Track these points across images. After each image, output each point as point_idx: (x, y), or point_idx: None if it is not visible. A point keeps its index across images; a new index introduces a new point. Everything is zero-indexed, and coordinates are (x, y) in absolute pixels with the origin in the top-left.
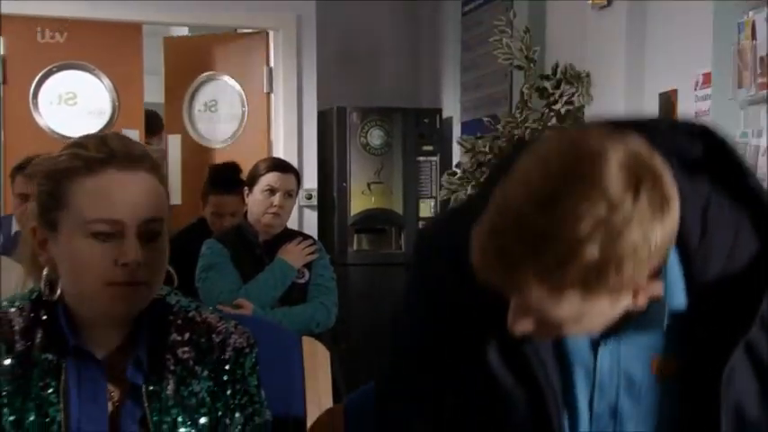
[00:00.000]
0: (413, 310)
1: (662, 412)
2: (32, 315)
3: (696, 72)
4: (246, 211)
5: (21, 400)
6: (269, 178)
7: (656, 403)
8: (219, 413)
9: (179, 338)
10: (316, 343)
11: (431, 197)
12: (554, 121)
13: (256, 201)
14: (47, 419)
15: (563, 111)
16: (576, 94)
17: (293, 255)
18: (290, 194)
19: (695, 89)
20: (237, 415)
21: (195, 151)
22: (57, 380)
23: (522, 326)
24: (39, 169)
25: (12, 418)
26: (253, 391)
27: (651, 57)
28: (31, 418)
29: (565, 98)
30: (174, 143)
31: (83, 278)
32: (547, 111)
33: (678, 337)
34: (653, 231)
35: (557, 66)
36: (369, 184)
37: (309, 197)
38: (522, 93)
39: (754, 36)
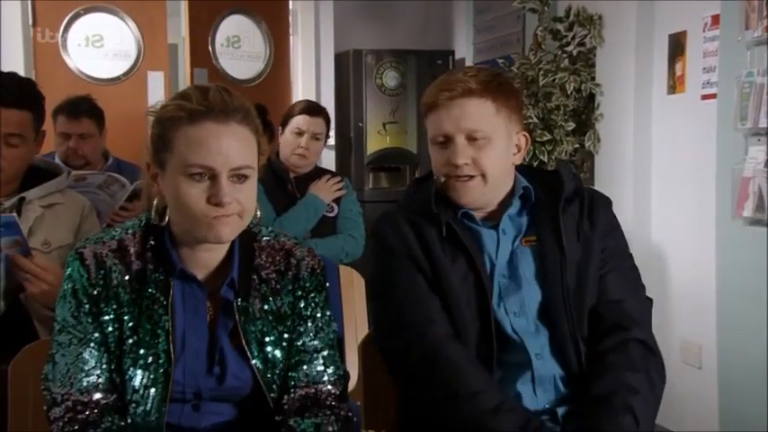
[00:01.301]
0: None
1: (532, 266)
2: (144, 240)
3: (705, 14)
4: (279, 150)
5: (137, 310)
6: (298, 120)
7: (528, 261)
8: (295, 322)
9: (262, 262)
10: (352, 271)
11: None
12: (566, 62)
13: (286, 141)
14: (157, 327)
15: (575, 52)
16: (588, 36)
17: (323, 190)
18: (317, 137)
19: (704, 30)
20: (309, 324)
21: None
22: (165, 295)
23: (463, 157)
24: (152, 115)
25: (130, 324)
26: (322, 304)
27: None
28: (145, 326)
29: (577, 40)
30: (200, 77)
31: (183, 211)
32: (560, 52)
33: (532, 224)
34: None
35: (569, 8)
36: (384, 124)
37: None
38: (535, 35)
39: None
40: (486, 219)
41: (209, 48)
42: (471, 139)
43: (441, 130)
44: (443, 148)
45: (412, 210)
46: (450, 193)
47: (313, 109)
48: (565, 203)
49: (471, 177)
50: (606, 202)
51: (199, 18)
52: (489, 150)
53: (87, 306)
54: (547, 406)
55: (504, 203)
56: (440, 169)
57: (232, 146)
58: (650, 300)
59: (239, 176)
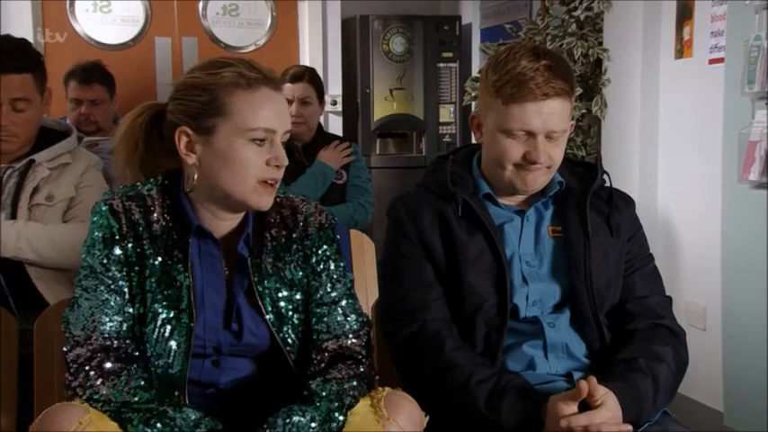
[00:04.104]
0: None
1: (556, 258)
2: (162, 199)
3: None
4: None
5: (160, 265)
6: (283, 90)
7: (553, 253)
8: (309, 278)
9: (272, 220)
10: (362, 235)
11: (450, 102)
12: (574, 27)
13: None
14: (178, 282)
15: (583, 17)
16: (596, 1)
17: (332, 157)
18: (305, 101)
19: None
20: (324, 277)
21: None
22: (183, 252)
23: (544, 156)
24: (191, 83)
25: (153, 278)
26: (334, 257)
27: None
28: (167, 281)
29: (585, 5)
30: (190, 46)
31: (240, 175)
32: (567, 17)
33: (558, 215)
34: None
35: None
36: (391, 91)
37: (334, 103)
38: (543, 0)
39: None
40: (512, 204)
41: (199, 16)
42: (549, 137)
43: (526, 126)
44: (517, 139)
45: (431, 189)
46: (515, 182)
47: (294, 76)
48: (593, 196)
49: (544, 168)
50: (630, 203)
51: None
52: (561, 145)
53: (116, 255)
54: (560, 371)
55: (535, 193)
56: (509, 158)
57: (285, 111)
58: (670, 297)
59: (284, 142)
